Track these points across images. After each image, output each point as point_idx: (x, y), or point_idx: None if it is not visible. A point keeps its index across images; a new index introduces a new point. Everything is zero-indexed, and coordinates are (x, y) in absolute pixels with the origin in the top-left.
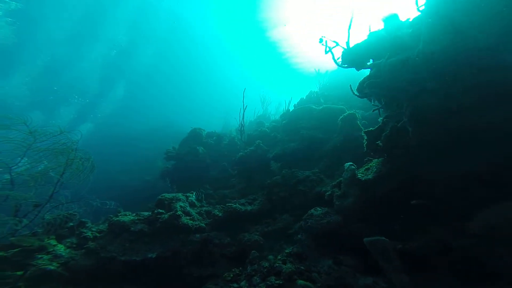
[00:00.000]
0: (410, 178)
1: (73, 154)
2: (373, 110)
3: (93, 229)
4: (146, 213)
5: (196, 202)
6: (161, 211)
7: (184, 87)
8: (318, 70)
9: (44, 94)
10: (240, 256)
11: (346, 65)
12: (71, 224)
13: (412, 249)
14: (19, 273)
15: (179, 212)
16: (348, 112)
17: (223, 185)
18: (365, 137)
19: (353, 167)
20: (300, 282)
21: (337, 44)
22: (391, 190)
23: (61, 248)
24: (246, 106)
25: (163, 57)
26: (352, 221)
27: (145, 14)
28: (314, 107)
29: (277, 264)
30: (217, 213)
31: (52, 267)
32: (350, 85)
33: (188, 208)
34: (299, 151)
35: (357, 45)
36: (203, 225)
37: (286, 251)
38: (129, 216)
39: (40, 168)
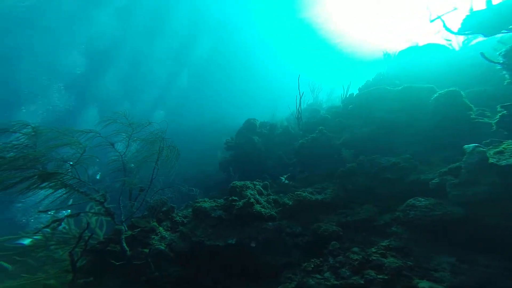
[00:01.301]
0: None
1: (163, 143)
2: None
3: (179, 214)
4: (220, 200)
5: (263, 190)
6: (235, 198)
7: (232, 81)
8: (386, 52)
9: (129, 86)
10: (313, 247)
11: (469, 31)
12: (165, 208)
13: None
14: (145, 250)
15: (252, 200)
16: (448, 89)
17: (280, 174)
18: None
19: (481, 149)
20: (424, 284)
21: (455, 9)
22: None
23: (162, 231)
24: (303, 93)
25: (216, 52)
26: (484, 214)
27: (199, 11)
28: (389, 88)
29: (374, 257)
30: (287, 201)
31: (162, 247)
32: (482, 53)
33: (257, 196)
34: (375, 136)
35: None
36: (274, 213)
37: (382, 244)
38: (208, 203)
39: (142, 156)
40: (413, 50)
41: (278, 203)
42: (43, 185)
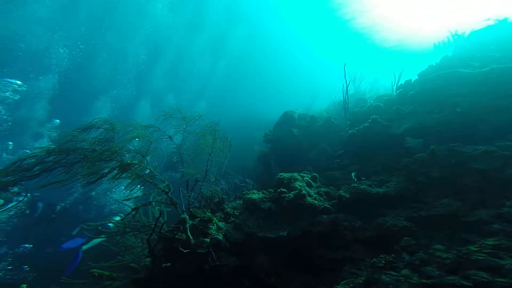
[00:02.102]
0: None
1: (216, 134)
2: None
3: (229, 205)
4: (267, 191)
5: (312, 182)
6: (284, 190)
7: (265, 75)
8: (455, 33)
9: (174, 78)
10: (377, 242)
11: None
12: (217, 200)
13: None
14: (207, 239)
15: (303, 192)
16: None
17: (325, 167)
18: None
19: None
20: None
21: None
22: None
23: (217, 221)
24: (349, 82)
25: (250, 45)
26: None
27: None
28: (468, 71)
29: (479, 257)
30: (343, 194)
31: (220, 237)
32: None
33: (306, 188)
34: (449, 123)
35: None
36: (328, 206)
37: (487, 242)
38: (256, 194)
39: (196, 148)
40: (493, 28)
41: (330, 196)
42: (124, 175)
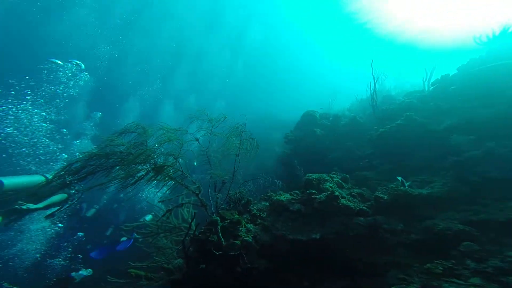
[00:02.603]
0: None
1: (243, 136)
2: None
3: (255, 207)
4: (295, 193)
5: (343, 183)
6: (313, 191)
7: (282, 76)
8: (506, 25)
9: (194, 79)
10: (425, 247)
11: None
12: (243, 201)
13: None
14: (237, 241)
15: (336, 193)
16: None
17: (353, 167)
18: None
19: None
20: None
21: None
22: None
23: (245, 223)
24: (377, 78)
25: (266, 45)
26: None
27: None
28: None
29: None
30: (381, 195)
31: (250, 239)
32: None
33: (338, 189)
34: (504, 118)
35: None
36: (364, 208)
37: None
38: (284, 196)
39: (223, 150)
40: None
41: (364, 197)
42: (158, 177)
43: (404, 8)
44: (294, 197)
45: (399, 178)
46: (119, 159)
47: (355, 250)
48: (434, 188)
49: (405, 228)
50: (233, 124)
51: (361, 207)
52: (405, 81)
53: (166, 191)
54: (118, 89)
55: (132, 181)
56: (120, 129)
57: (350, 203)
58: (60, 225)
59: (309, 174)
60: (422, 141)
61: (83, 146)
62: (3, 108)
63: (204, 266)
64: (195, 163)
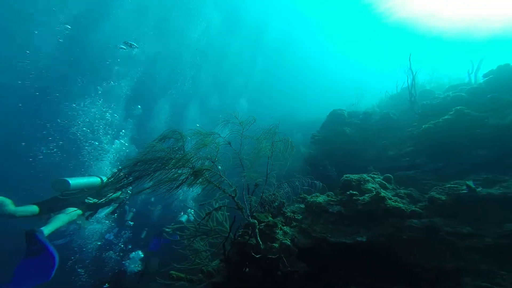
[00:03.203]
0: None
1: (275, 137)
2: None
3: (288, 209)
4: (332, 194)
5: (386, 183)
6: (354, 192)
7: (300, 77)
8: None
9: (217, 79)
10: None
11: None
12: (276, 204)
13: None
14: (275, 244)
15: (383, 194)
16: None
17: (391, 166)
18: None
19: None
20: None
21: None
22: None
23: (281, 226)
24: (416, 72)
25: (284, 44)
26: None
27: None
28: None
29: None
30: (437, 196)
31: (288, 242)
32: None
33: (382, 190)
34: None
35: None
36: (417, 209)
37: None
38: (321, 197)
39: (255, 152)
40: None
41: (413, 198)
42: (199, 181)
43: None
44: (332, 199)
45: (469, 182)
46: (160, 164)
47: (410, 254)
48: (509, 188)
49: (475, 231)
50: (260, 125)
51: (413, 208)
52: (442, 74)
53: (199, 191)
54: (152, 90)
55: (176, 185)
56: (159, 136)
57: (400, 204)
58: (106, 222)
59: (347, 175)
60: (479, 136)
61: (121, 146)
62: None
63: (248, 270)
64: (220, 167)
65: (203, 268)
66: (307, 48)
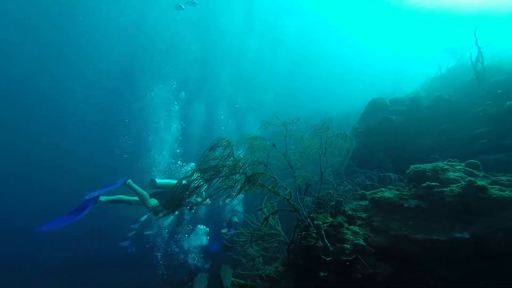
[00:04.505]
0: None
1: (328, 133)
2: None
3: (347, 207)
4: (402, 188)
5: (473, 171)
6: (433, 184)
7: (325, 74)
8: None
9: (242, 79)
10: None
11: None
12: (333, 203)
13: None
14: (346, 245)
15: (480, 183)
16: None
17: (462, 152)
18: None
19: None
20: None
21: None
22: None
23: (347, 225)
24: (480, 48)
25: (304, 39)
26: None
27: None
28: None
29: None
30: None
31: (362, 242)
32: None
33: (475, 179)
34: None
35: None
36: None
37: None
38: (387, 192)
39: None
40: None
41: None
42: (254, 186)
43: None
44: (404, 193)
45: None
46: (213, 172)
47: None
48: None
49: None
50: (324, 120)
51: None
52: (499, 48)
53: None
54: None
55: (235, 191)
56: (209, 145)
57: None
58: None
59: (417, 165)
60: None
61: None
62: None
63: (325, 274)
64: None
65: (261, 273)
66: (331, 43)
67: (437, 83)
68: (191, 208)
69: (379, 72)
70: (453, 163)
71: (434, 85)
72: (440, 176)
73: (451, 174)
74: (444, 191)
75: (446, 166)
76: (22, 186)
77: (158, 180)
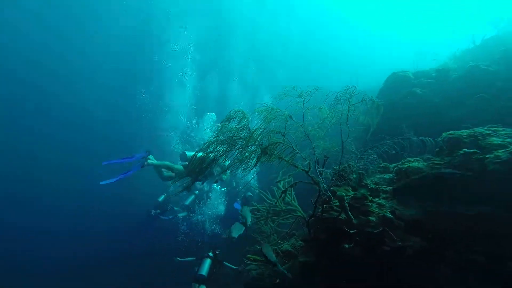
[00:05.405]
0: None
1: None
2: None
3: (368, 180)
4: (434, 157)
5: None
6: (473, 150)
7: (336, 44)
8: None
9: (253, 53)
10: None
11: None
12: (354, 176)
13: None
14: (371, 218)
15: None
16: None
17: (500, 119)
18: None
19: None
20: None
21: None
22: None
23: (371, 198)
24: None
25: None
26: None
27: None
28: None
29: None
30: None
31: (389, 215)
32: None
33: None
34: None
35: None
36: None
37: None
38: (416, 162)
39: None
40: None
41: None
42: (272, 157)
43: None
44: (436, 162)
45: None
46: (229, 144)
47: None
48: None
49: None
50: (348, 87)
51: None
52: None
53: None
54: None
55: (252, 163)
56: (225, 117)
57: None
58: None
59: (451, 132)
60: None
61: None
62: None
63: (347, 246)
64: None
65: (277, 249)
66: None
67: (469, 55)
68: (216, 182)
69: (400, 46)
70: (496, 129)
71: (466, 57)
72: (480, 142)
73: (495, 140)
74: (487, 157)
75: (488, 131)
76: (23, 185)
77: (187, 153)
